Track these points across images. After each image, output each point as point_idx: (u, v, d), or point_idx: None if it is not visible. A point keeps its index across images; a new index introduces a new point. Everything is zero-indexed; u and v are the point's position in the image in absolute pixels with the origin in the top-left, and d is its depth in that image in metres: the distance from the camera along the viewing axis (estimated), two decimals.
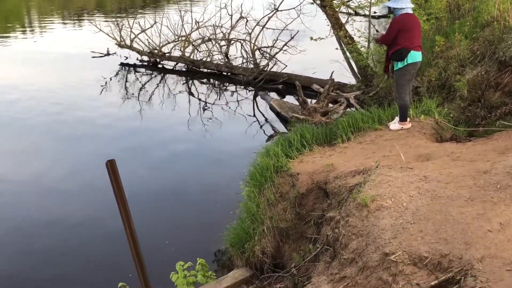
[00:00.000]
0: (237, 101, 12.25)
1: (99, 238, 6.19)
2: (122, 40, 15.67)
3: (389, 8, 5.74)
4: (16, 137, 9.82)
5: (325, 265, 3.83)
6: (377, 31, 6.09)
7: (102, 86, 13.69)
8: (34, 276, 5.59)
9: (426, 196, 3.49)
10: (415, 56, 5.46)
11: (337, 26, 10.35)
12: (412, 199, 3.51)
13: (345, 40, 10.22)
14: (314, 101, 9.71)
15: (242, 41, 14.12)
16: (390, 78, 8.18)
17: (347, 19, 12.13)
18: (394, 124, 5.74)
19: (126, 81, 14.55)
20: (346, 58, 10.72)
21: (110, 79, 14.51)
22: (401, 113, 5.66)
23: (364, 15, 13.02)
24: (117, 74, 15.15)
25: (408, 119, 5.73)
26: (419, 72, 7.18)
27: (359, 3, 11.03)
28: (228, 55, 14.45)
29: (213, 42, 14.59)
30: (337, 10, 10.60)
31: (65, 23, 27.09)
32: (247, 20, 14.19)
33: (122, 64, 15.91)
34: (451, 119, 5.95)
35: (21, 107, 11.75)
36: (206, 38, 14.71)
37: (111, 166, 3.77)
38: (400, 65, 5.48)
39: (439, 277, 2.78)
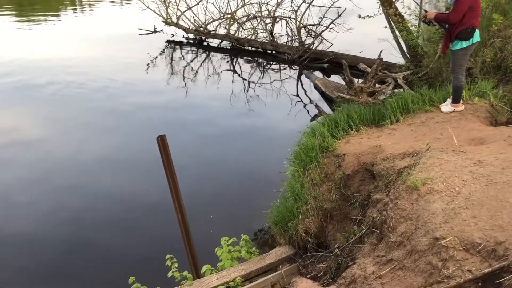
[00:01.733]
0: (281, 79, 12.17)
1: (148, 210, 6.40)
2: (168, 17, 15.83)
3: None
4: (68, 112, 10.18)
5: (371, 247, 3.79)
6: (426, 11, 5.78)
7: (148, 64, 13.93)
8: (87, 242, 5.87)
9: (481, 181, 3.37)
10: (478, 35, 5.24)
11: (387, 4, 9.99)
12: (465, 183, 3.40)
13: (394, 19, 9.86)
14: (360, 81, 9.50)
15: (287, 19, 13.95)
16: (441, 59, 7.89)
17: None
18: (446, 106, 5.54)
19: (172, 58, 14.74)
20: (395, 37, 10.37)
21: (156, 56, 14.74)
22: (455, 94, 5.45)
23: None
24: (163, 51, 15.36)
25: (461, 101, 5.52)
26: (472, 53, 6.89)
27: None
28: (273, 33, 14.34)
29: (258, 20, 14.50)
30: None
31: (113, 1, 27.58)
32: None
33: (168, 42, 16.10)
34: (507, 102, 5.67)
35: (73, 82, 12.12)
36: (252, 15, 14.62)
37: (162, 141, 3.87)
38: (464, 44, 5.24)
39: (493, 264, 2.69)
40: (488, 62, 7.33)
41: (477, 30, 5.21)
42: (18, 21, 22.05)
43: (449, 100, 5.58)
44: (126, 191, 6.97)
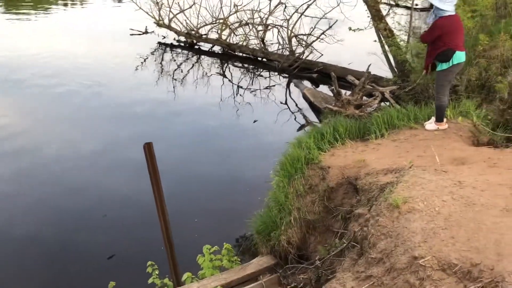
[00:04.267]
0: (270, 87, 12.25)
1: (133, 214, 6.39)
2: (160, 19, 15.83)
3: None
4: (53, 114, 10.10)
5: (351, 262, 3.85)
6: (425, 25, 5.90)
7: (138, 65, 13.90)
8: (68, 244, 5.84)
9: (460, 202, 3.45)
10: (460, 57, 5.34)
11: (377, 18, 10.16)
12: (445, 204, 3.48)
13: (384, 33, 10.05)
14: (348, 92, 9.63)
15: (279, 27, 14.06)
16: (428, 75, 8.03)
17: (388, 11, 11.91)
18: (430, 124, 5.65)
19: (162, 60, 14.73)
20: (384, 51, 10.55)
21: (147, 57, 14.72)
22: (437, 114, 5.57)
23: (406, 7, 12.71)
24: (153, 52, 15.35)
25: (445, 119, 5.63)
26: (459, 71, 7.04)
27: None
28: (264, 41, 14.43)
29: (250, 27, 14.58)
30: (379, 1, 10.39)
31: (104, 1, 27.44)
32: (285, 6, 14.09)
33: (159, 43, 16.10)
34: (489, 122, 5.81)
35: (58, 82, 12.03)
36: (244, 22, 14.69)
37: (148, 148, 3.88)
38: (444, 66, 5.36)
39: (468, 286, 2.77)
40: (473, 81, 7.49)
41: (459, 52, 5.32)
42: (6, 13, 21.81)
43: (433, 118, 5.69)
44: (110, 195, 6.95)
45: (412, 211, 3.50)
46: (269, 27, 14.41)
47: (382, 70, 10.67)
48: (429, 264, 3.01)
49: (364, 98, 9.41)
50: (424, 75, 7.93)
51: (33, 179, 7.33)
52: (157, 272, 4.52)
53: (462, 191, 3.61)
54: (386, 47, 10.25)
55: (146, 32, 16.40)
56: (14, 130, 9.09)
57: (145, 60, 14.41)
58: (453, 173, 4.09)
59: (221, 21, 14.99)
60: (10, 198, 6.78)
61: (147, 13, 15.91)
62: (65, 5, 25.32)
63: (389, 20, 10.74)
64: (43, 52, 14.71)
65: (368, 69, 9.45)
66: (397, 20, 10.82)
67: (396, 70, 10.42)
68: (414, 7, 10.88)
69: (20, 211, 6.47)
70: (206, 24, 15.29)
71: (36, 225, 6.20)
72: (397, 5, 11.92)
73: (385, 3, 12.19)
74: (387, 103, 9.41)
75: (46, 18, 21.27)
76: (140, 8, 16.00)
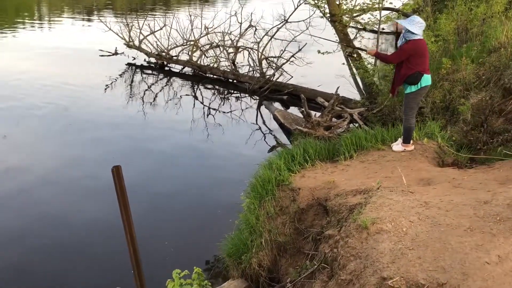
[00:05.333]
0: (241, 109, 12.31)
1: (100, 238, 6.24)
2: (130, 40, 15.77)
3: (396, 25, 5.81)
4: (20, 136, 9.85)
5: (322, 284, 3.85)
6: (365, 50, 6.05)
7: (107, 85, 13.77)
8: (32, 272, 5.63)
9: (426, 223, 3.53)
10: (427, 80, 5.52)
11: (345, 42, 10.43)
12: (412, 224, 3.54)
13: (352, 56, 10.30)
14: (318, 114, 9.77)
15: (249, 50, 14.22)
16: (395, 98, 8.25)
17: (356, 34, 12.22)
18: (397, 146, 5.78)
19: (132, 81, 14.63)
20: (352, 74, 10.80)
21: (116, 79, 14.60)
22: (405, 135, 5.70)
23: (373, 31, 13.09)
24: (123, 74, 15.24)
25: (412, 141, 5.78)
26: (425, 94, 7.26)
27: (369, 19, 11.10)
28: (235, 63, 14.55)
29: (221, 49, 14.70)
30: (347, 25, 10.67)
31: (74, 19, 27.21)
32: (256, 29, 14.29)
33: (129, 64, 16.00)
34: (453, 144, 5.99)
35: (24, 101, 11.78)
36: (215, 44, 14.81)
37: (117, 172, 3.81)
38: (413, 88, 5.52)
39: None
40: (437, 103, 7.74)
41: (426, 75, 5.51)
42: None
43: (400, 139, 5.83)
44: (76, 218, 6.78)
45: (381, 232, 3.55)
46: (240, 49, 14.56)
47: (351, 92, 10.90)
48: (398, 285, 3.05)
49: (334, 119, 9.57)
50: (391, 97, 8.15)
51: None
52: None
53: (428, 211, 3.69)
54: (354, 69, 10.50)
55: (116, 53, 16.29)
56: None
57: (114, 81, 14.28)
58: (420, 193, 4.18)
59: (192, 43, 15.06)
60: None
61: (117, 34, 15.84)
62: (32, 25, 24.95)
63: (356, 43, 11.03)
64: (4, 71, 14.40)
65: (337, 91, 9.64)
66: (364, 43, 11.11)
67: (364, 92, 10.66)
68: (381, 31, 11.22)
69: None
70: (177, 46, 15.33)
71: None
72: (364, 29, 12.26)
73: (352, 26, 12.51)
74: (356, 125, 9.60)
75: (14, 37, 20.88)
76: (110, 29, 15.93)
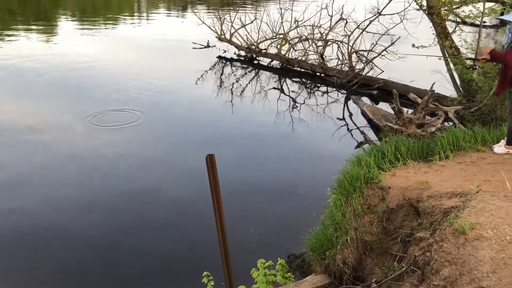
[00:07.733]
0: (328, 103, 12.16)
1: (190, 224, 6.51)
2: (222, 33, 16.21)
3: (501, 20, 5.35)
4: (117, 127, 10.52)
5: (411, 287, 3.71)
6: (476, 59, 5.47)
7: (198, 77, 14.27)
8: (124, 247, 6.03)
9: None
10: None
11: (443, 36, 9.87)
12: None
13: (450, 51, 9.72)
14: (410, 111, 9.38)
15: (339, 43, 13.99)
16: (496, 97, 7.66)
17: (455, 28, 11.52)
18: (500, 147, 5.37)
19: (222, 73, 15.05)
20: (449, 70, 10.21)
21: (207, 70, 15.08)
22: (509, 137, 5.28)
23: (473, 25, 12.26)
24: (214, 66, 15.72)
25: None
26: None
27: (470, 12, 10.40)
28: (324, 56, 14.39)
29: (310, 42, 14.61)
30: (445, 18, 10.08)
31: (170, 14, 28.57)
32: (346, 22, 14.02)
33: (220, 57, 16.47)
34: None
35: (120, 91, 12.55)
36: (304, 37, 14.75)
37: (210, 160, 3.93)
38: None
39: None
40: None
41: None
42: (80, 25, 23.21)
43: (503, 141, 5.41)
44: (169, 202, 7.12)
45: (480, 238, 3.33)
46: (329, 42, 14.38)
47: (446, 88, 10.31)
48: None
49: (427, 117, 9.11)
50: (493, 95, 7.59)
51: (95, 180, 7.65)
52: (212, 284, 4.55)
53: None
54: (452, 65, 9.91)
55: (208, 46, 16.84)
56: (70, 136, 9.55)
57: (206, 73, 14.77)
58: None
59: (281, 36, 15.13)
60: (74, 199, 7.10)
61: (210, 27, 16.37)
62: (132, 19, 26.58)
63: (455, 37, 10.39)
64: (108, 62, 15.49)
65: (432, 87, 9.16)
66: (463, 37, 10.42)
67: (461, 89, 10.04)
68: (482, 24, 10.46)
69: (72, 211, 6.74)
70: (266, 39, 15.49)
71: (89, 226, 6.43)
72: (464, 23, 11.50)
73: (451, 20, 11.81)
74: (451, 123, 9.08)
75: (114, 30, 22.43)
76: (203, 22, 16.49)
